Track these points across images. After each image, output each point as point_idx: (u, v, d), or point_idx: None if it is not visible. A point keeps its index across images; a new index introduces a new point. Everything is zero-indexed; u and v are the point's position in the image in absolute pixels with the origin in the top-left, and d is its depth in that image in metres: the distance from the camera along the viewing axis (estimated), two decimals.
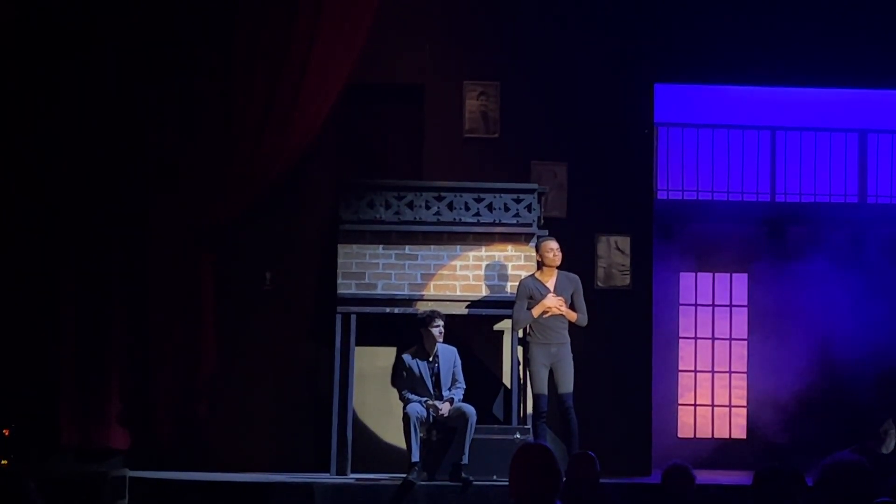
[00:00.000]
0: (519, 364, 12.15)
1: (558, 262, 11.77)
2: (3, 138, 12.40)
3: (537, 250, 11.89)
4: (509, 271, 12.26)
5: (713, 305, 15.25)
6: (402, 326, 12.29)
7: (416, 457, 11.33)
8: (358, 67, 12.60)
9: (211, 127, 12.43)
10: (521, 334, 12.00)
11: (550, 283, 11.74)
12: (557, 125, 13.32)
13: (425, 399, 11.60)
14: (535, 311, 11.62)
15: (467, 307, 12.26)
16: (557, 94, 13.32)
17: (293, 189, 12.92)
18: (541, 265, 11.82)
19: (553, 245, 11.77)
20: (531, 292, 11.69)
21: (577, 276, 11.86)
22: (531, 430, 11.70)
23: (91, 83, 12.42)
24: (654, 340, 13.44)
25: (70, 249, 12.41)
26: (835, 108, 14.96)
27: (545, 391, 11.61)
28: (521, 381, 12.14)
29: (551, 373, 11.64)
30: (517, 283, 11.94)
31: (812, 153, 15.38)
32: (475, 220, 12.30)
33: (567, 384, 11.62)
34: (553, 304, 11.63)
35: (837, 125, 15.31)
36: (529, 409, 11.90)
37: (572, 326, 11.75)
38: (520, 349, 12.08)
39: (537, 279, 11.77)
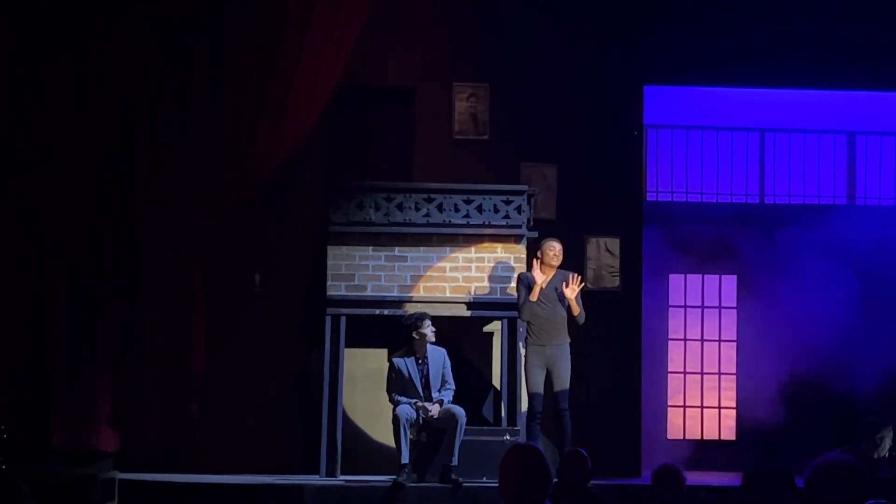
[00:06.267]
0: (507, 365, 12.17)
1: (558, 263, 11.78)
2: None
3: (540, 248, 11.86)
4: (499, 273, 12.27)
5: (702, 307, 15.26)
6: (391, 328, 12.29)
7: (405, 458, 11.33)
8: (348, 69, 12.60)
9: (201, 129, 12.44)
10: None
11: (543, 278, 11.70)
12: (547, 127, 13.33)
13: (415, 401, 11.60)
14: (534, 295, 11.64)
15: (457, 309, 12.26)
16: (547, 96, 13.33)
17: (283, 191, 12.91)
18: (540, 263, 11.81)
19: (555, 245, 11.79)
20: (530, 283, 11.70)
21: (576, 275, 11.83)
22: (524, 431, 11.71)
23: (81, 84, 12.41)
24: (644, 342, 13.46)
25: (61, 251, 12.40)
26: (824, 109, 14.99)
27: (539, 391, 11.64)
28: (511, 381, 12.15)
29: (549, 374, 11.67)
30: (506, 285, 12.01)
31: (801, 155, 15.40)
32: (465, 222, 12.31)
33: (561, 385, 11.64)
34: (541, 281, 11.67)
35: (826, 127, 15.33)
36: (524, 409, 11.92)
37: (570, 327, 11.76)
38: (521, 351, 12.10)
39: (533, 274, 11.77)
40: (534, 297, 11.67)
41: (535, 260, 11.85)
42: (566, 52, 13.34)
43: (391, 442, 11.53)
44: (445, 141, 13.28)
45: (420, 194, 12.36)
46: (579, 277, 11.78)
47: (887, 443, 12.91)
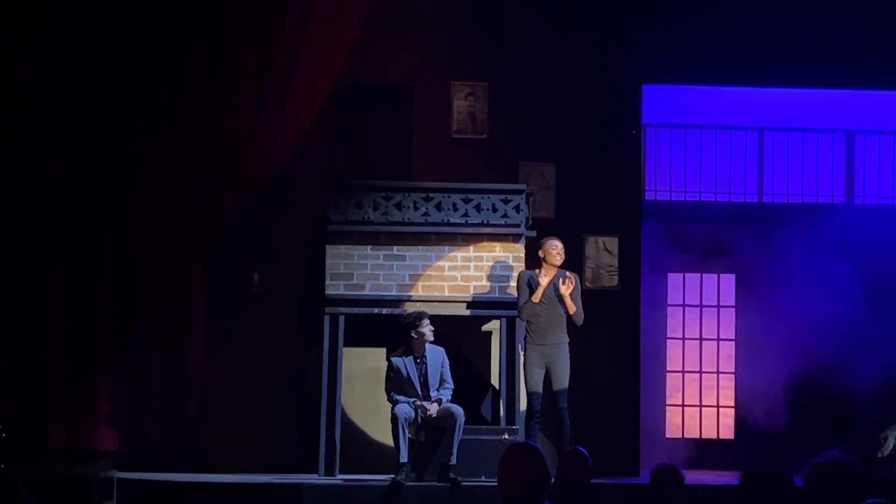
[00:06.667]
0: (506, 364, 12.17)
1: (560, 262, 11.79)
2: None
3: (541, 248, 11.88)
4: (497, 272, 12.28)
5: (701, 306, 15.27)
6: (390, 327, 12.29)
7: (404, 457, 11.33)
8: (347, 68, 12.60)
9: (200, 128, 12.44)
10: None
11: (546, 279, 11.72)
12: (545, 126, 13.33)
13: (413, 399, 11.60)
14: (536, 297, 11.66)
15: (455, 308, 12.26)
16: (545, 94, 13.33)
17: (282, 190, 12.91)
18: (541, 262, 11.82)
19: (557, 244, 11.80)
20: (531, 283, 11.71)
21: (574, 275, 11.84)
22: (523, 430, 11.72)
23: (80, 83, 12.41)
24: (642, 341, 13.46)
25: (60, 251, 12.39)
26: (822, 108, 15.00)
27: (538, 390, 11.65)
28: (509, 380, 12.15)
29: (548, 373, 11.68)
30: (505, 284, 12.01)
31: (799, 154, 15.40)
32: (463, 221, 12.31)
33: (560, 384, 11.65)
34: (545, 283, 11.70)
35: (825, 126, 15.34)
36: (523, 408, 11.93)
37: (569, 326, 11.77)
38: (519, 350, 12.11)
39: (534, 273, 11.79)
40: (536, 298, 11.68)
41: (544, 264, 11.81)
42: (565, 51, 13.34)
43: (390, 441, 11.53)
44: (444, 140, 13.28)
45: (418, 193, 12.36)
46: (572, 276, 11.76)
47: (891, 441, 12.91)
